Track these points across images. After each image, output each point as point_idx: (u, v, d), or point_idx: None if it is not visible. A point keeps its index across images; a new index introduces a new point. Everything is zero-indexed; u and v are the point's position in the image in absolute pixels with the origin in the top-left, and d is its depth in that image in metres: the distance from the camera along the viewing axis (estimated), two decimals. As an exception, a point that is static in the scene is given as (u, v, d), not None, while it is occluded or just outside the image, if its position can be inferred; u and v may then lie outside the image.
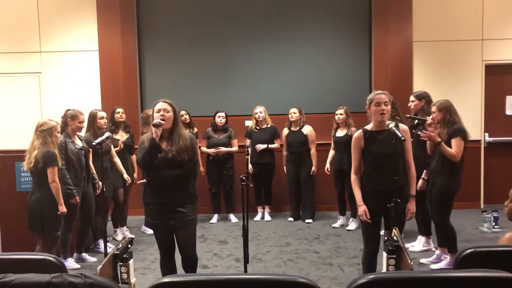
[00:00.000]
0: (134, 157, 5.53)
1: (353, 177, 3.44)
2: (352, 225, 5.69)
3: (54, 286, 1.64)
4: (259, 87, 6.80)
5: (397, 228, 2.99)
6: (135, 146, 5.67)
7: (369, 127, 3.44)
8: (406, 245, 3.80)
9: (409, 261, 2.46)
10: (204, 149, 6.07)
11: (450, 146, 4.08)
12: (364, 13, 6.77)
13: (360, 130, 3.46)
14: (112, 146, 5.14)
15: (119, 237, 5.29)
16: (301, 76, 6.80)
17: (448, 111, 4.16)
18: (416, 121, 4.59)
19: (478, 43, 6.61)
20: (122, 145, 5.31)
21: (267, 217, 6.28)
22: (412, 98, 4.73)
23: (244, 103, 6.66)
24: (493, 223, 5.44)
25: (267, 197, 6.37)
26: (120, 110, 5.43)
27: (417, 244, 4.83)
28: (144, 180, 3.29)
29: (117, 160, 5.18)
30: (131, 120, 5.95)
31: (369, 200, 3.36)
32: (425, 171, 4.42)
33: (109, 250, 3.77)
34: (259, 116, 6.15)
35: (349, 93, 6.69)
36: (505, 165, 6.73)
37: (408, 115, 4.71)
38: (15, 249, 4.40)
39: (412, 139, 3.74)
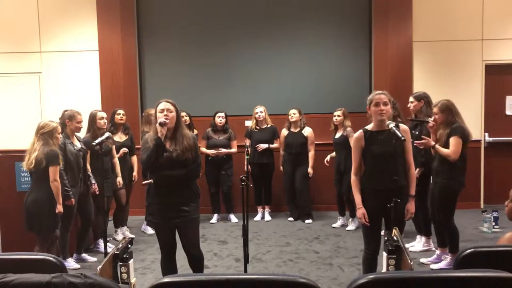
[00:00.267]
0: (134, 158, 5.53)
1: (353, 177, 3.44)
2: (352, 225, 5.69)
3: (54, 286, 1.63)
4: (259, 87, 6.80)
5: (397, 228, 2.99)
6: (137, 146, 5.69)
7: (369, 127, 3.45)
8: (406, 245, 3.80)
9: (409, 261, 2.46)
10: (204, 149, 6.05)
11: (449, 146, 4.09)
12: (364, 13, 6.77)
13: (361, 130, 3.46)
14: (113, 147, 5.14)
15: (120, 237, 5.29)
16: (301, 76, 6.80)
17: (450, 112, 4.15)
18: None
19: (478, 43, 6.61)
20: (123, 153, 5.32)
21: (267, 217, 6.28)
22: (411, 99, 4.73)
23: (244, 103, 6.66)
24: (493, 223, 5.45)
25: (267, 197, 6.37)
26: (121, 111, 5.43)
27: (417, 244, 4.83)
28: (151, 181, 3.29)
29: (116, 161, 5.19)
30: (131, 121, 5.95)
31: (369, 200, 3.36)
32: (417, 169, 4.40)
33: (109, 250, 3.78)
34: (259, 116, 6.15)
35: (349, 93, 6.70)
36: (505, 165, 6.73)
37: (409, 118, 4.71)
38: (15, 249, 4.40)
39: (412, 140, 3.75)
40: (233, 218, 6.23)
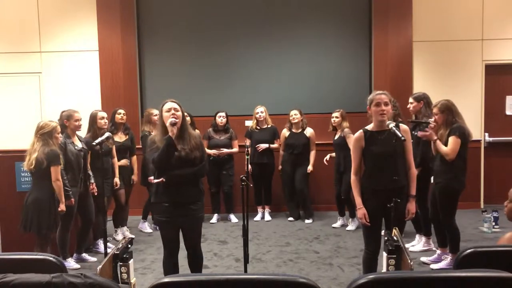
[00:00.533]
0: (134, 159, 5.53)
1: (353, 177, 3.43)
2: (352, 225, 5.69)
3: (54, 286, 1.63)
4: (259, 87, 6.80)
5: (397, 228, 2.99)
6: (137, 146, 5.68)
7: (369, 127, 3.44)
8: (406, 245, 3.80)
9: (409, 261, 2.45)
10: (205, 150, 6.04)
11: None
12: (364, 13, 6.77)
13: (361, 130, 3.45)
14: (113, 147, 5.14)
15: (119, 237, 5.29)
16: (301, 76, 6.80)
17: (450, 112, 4.15)
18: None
19: (478, 43, 6.61)
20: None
21: (267, 217, 6.28)
22: (410, 100, 4.73)
23: (243, 103, 6.66)
24: (493, 223, 5.45)
25: (267, 197, 6.37)
26: (121, 111, 5.42)
27: (417, 244, 4.83)
28: (162, 179, 3.28)
29: (115, 161, 5.19)
30: (131, 120, 5.95)
31: (369, 200, 3.36)
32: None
33: (109, 250, 3.77)
34: (260, 116, 6.15)
35: (349, 93, 6.70)
36: (505, 165, 6.73)
37: (409, 120, 4.71)
38: (15, 249, 4.40)
39: (412, 140, 3.75)
40: (233, 218, 6.22)
